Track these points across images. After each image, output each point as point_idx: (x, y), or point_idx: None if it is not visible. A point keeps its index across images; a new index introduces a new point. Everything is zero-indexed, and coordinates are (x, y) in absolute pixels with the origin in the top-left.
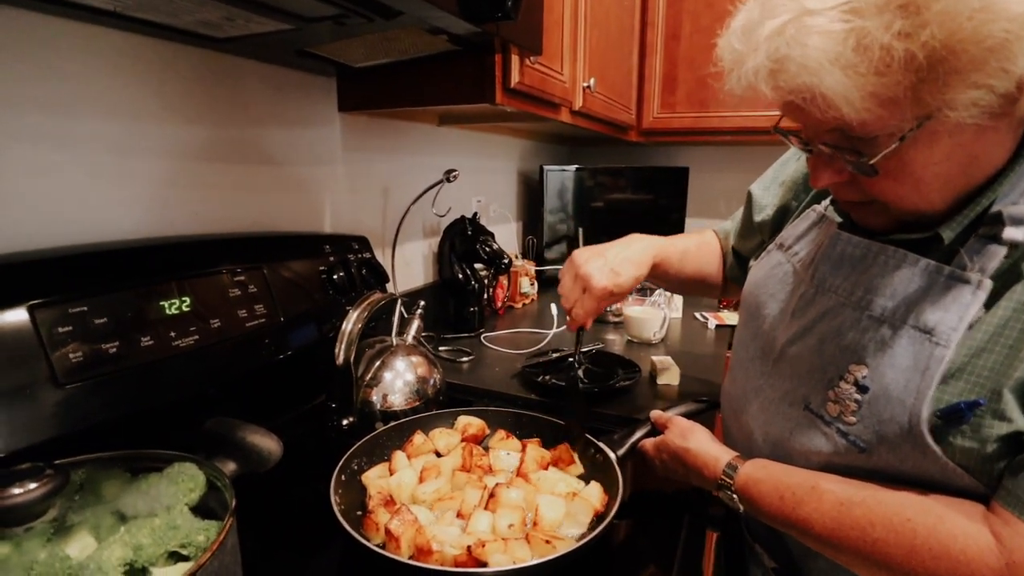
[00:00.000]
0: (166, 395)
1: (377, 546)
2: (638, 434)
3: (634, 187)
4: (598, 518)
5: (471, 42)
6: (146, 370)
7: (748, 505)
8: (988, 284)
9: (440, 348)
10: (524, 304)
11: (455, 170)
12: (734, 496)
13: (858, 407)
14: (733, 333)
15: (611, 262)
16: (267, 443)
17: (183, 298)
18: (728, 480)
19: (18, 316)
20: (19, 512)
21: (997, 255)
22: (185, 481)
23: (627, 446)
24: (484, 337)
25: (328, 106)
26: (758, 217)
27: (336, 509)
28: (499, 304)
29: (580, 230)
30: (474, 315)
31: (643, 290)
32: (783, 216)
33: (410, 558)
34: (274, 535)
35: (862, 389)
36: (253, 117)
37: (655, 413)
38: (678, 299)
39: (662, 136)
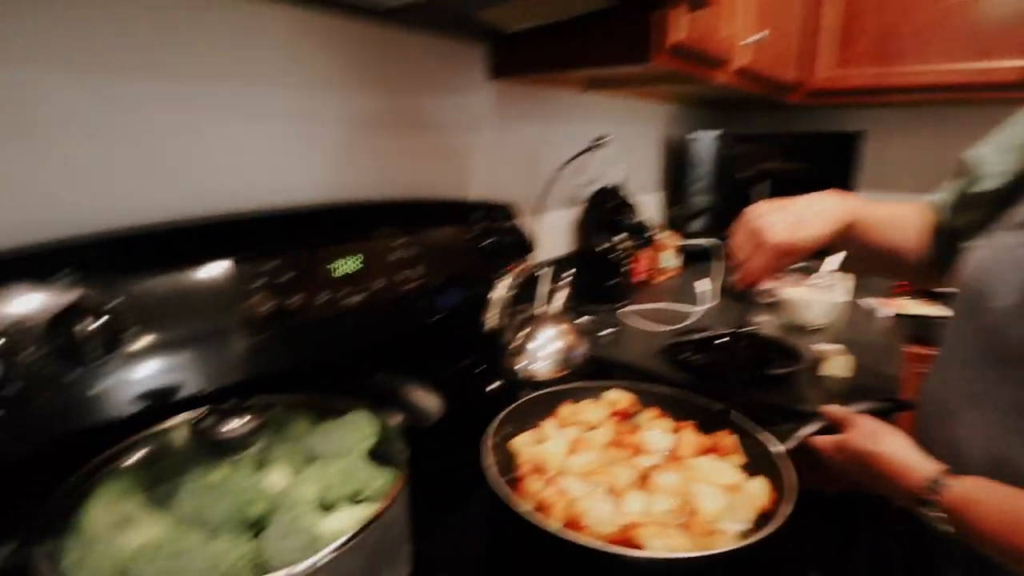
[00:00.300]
0: (337, 348)
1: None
2: (808, 428)
3: (790, 155)
4: (763, 516)
5: None
6: (321, 324)
7: (962, 528)
8: None
9: (579, 320)
10: (667, 278)
11: (605, 136)
12: (943, 515)
13: None
14: (911, 324)
15: (795, 214)
16: (430, 401)
17: (355, 258)
18: (934, 496)
19: (224, 267)
20: (232, 444)
21: None
22: (363, 428)
23: (796, 440)
24: (624, 310)
25: (480, 73)
26: (979, 187)
27: (489, 472)
28: (640, 277)
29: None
30: (615, 288)
31: (804, 269)
32: (1018, 189)
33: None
34: (427, 491)
35: None
36: (412, 86)
37: (830, 407)
38: (848, 281)
39: (834, 97)
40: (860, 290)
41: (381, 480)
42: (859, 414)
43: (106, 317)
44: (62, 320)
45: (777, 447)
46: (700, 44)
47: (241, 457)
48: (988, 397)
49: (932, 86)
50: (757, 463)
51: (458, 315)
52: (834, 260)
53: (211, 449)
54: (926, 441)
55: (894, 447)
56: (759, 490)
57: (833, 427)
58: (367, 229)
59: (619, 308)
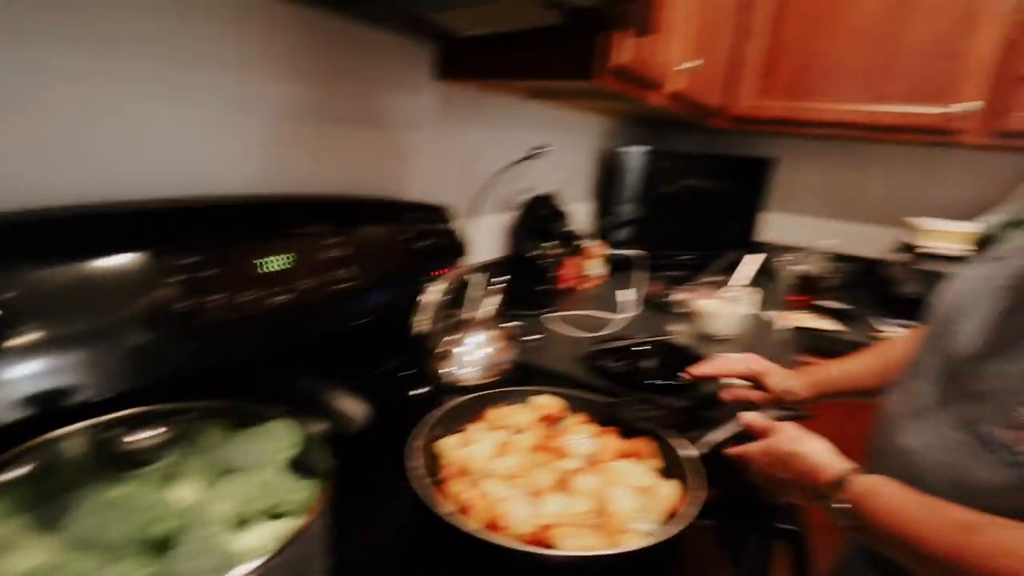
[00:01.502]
0: (259, 350)
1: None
2: (721, 432)
3: (711, 175)
4: (673, 517)
5: (584, 17)
6: (242, 324)
7: (859, 520)
8: None
9: (508, 324)
10: (592, 286)
11: (544, 146)
12: (847, 506)
13: None
14: (805, 337)
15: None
16: (355, 407)
17: (284, 255)
18: (840, 490)
19: (138, 259)
20: (137, 457)
21: None
22: (283, 437)
23: (707, 445)
24: (550, 317)
25: (425, 73)
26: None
27: (413, 474)
28: (567, 284)
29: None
30: (543, 293)
31: (716, 282)
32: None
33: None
34: (351, 496)
35: None
36: (355, 80)
37: (751, 417)
38: (755, 296)
39: (751, 124)
40: (766, 303)
41: (302, 493)
42: (784, 422)
43: None
44: None
45: (690, 451)
46: (640, 67)
47: (147, 471)
48: (942, 411)
49: (835, 123)
50: (672, 467)
51: (387, 317)
52: (743, 275)
53: (112, 462)
54: (881, 447)
55: (813, 447)
56: (670, 492)
57: (746, 434)
58: (299, 225)
59: (545, 314)
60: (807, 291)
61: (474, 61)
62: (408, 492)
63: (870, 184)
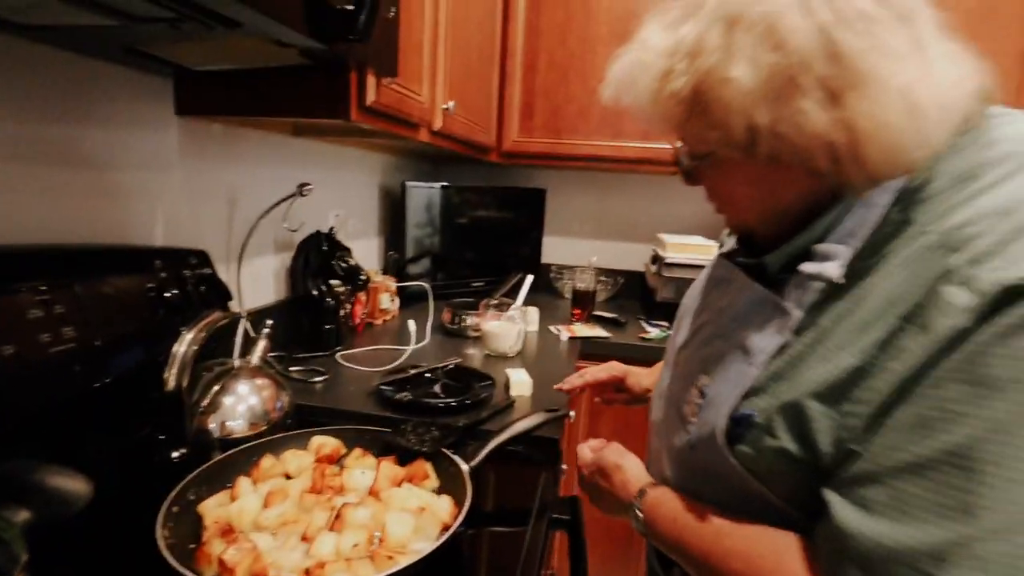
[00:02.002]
0: None
1: None
2: (491, 444)
3: (496, 205)
4: (447, 531)
5: (324, 58)
6: None
7: (648, 527)
8: (798, 316)
9: (292, 368)
10: (384, 321)
11: (308, 184)
12: (640, 517)
13: (698, 410)
14: (581, 344)
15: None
16: (71, 484)
17: None
18: (638, 500)
19: None
20: None
21: (815, 289)
22: None
23: (480, 457)
24: (340, 356)
25: (163, 108)
26: None
27: (162, 544)
28: (357, 321)
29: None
30: (330, 333)
31: (500, 305)
32: None
33: None
34: None
35: (703, 395)
36: (70, 116)
37: (582, 454)
38: (533, 313)
39: (521, 159)
40: (547, 319)
41: None
42: (611, 444)
43: None
44: None
45: (461, 466)
46: (397, 107)
47: None
48: (667, 392)
49: (588, 156)
50: (448, 484)
51: (138, 377)
52: (521, 296)
53: None
54: (651, 452)
55: (631, 463)
56: (442, 507)
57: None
58: None
59: (335, 353)
60: (584, 304)
61: (220, 97)
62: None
63: (626, 207)
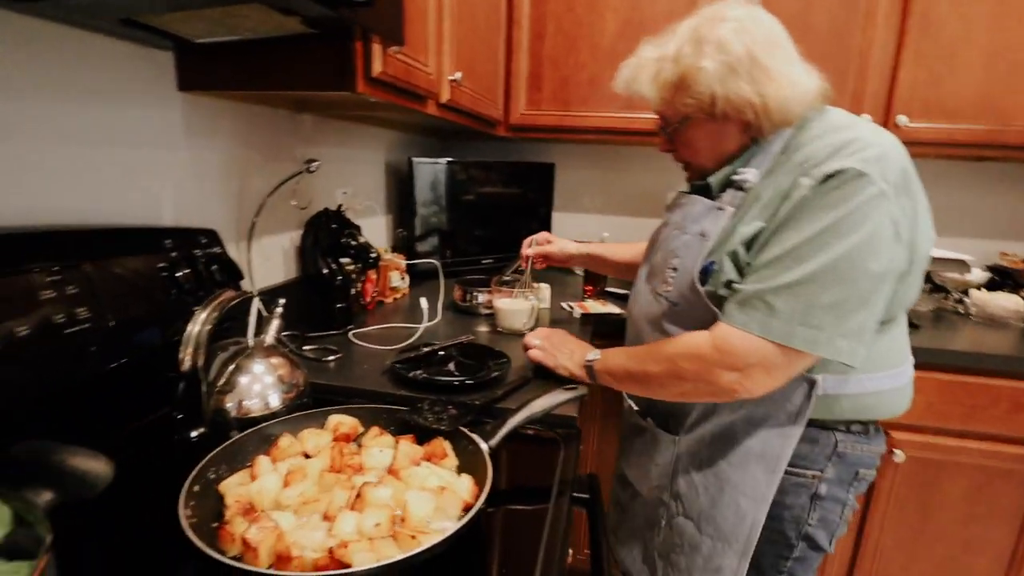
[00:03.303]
0: None
1: (233, 558)
2: (510, 423)
3: (504, 181)
4: (468, 510)
5: (327, 26)
6: None
7: (604, 372)
8: (731, 210)
9: (305, 347)
10: (395, 299)
11: (315, 160)
12: (594, 362)
13: (672, 281)
14: (593, 320)
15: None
16: (92, 465)
17: None
18: (593, 359)
19: None
20: None
21: (739, 194)
22: None
23: (499, 436)
24: (353, 334)
25: (165, 84)
26: None
27: (185, 523)
28: (368, 299)
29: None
30: (341, 312)
31: (511, 282)
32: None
33: (269, 567)
34: (109, 566)
35: (674, 270)
36: (70, 92)
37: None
38: (545, 290)
39: (529, 132)
40: (559, 296)
41: None
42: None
43: None
44: None
45: (481, 445)
46: (404, 77)
47: None
48: (644, 285)
49: (598, 128)
50: (467, 463)
51: (152, 357)
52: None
53: None
54: (627, 315)
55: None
56: (463, 487)
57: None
58: (5, 264)
59: (347, 332)
60: (595, 280)
61: (223, 71)
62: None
63: (636, 182)
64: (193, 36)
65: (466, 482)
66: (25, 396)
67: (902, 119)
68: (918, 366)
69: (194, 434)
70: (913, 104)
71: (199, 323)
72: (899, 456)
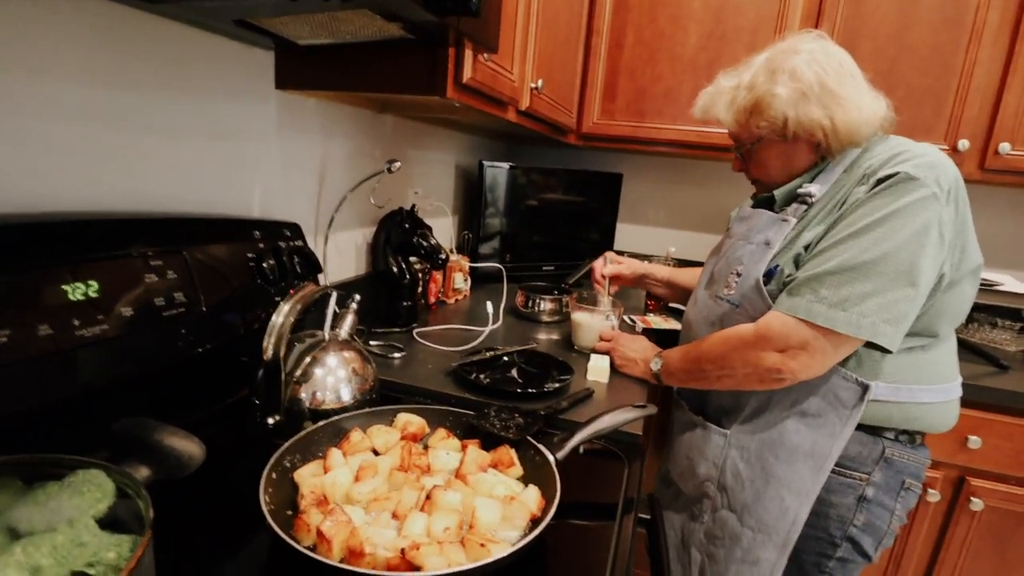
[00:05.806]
0: (66, 390)
1: (307, 548)
2: (578, 437)
3: (568, 189)
4: (534, 522)
5: (426, 32)
6: (44, 362)
7: (668, 369)
8: (793, 221)
9: (371, 343)
10: (457, 300)
11: (396, 160)
12: (660, 362)
13: (735, 284)
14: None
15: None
16: (187, 446)
17: (88, 283)
18: (660, 358)
19: None
20: None
21: (801, 208)
22: (91, 491)
23: (567, 448)
24: (417, 333)
25: (264, 82)
26: None
27: (265, 509)
28: (432, 299)
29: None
30: (407, 310)
31: (588, 298)
32: None
33: (341, 561)
34: (192, 543)
35: (737, 275)
36: (180, 86)
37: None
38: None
39: (599, 141)
40: (628, 309)
41: (116, 550)
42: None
43: None
44: None
45: (548, 456)
46: (490, 84)
47: None
48: (703, 292)
49: (671, 141)
50: (533, 473)
51: (236, 343)
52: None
53: None
54: (685, 321)
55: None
56: (531, 498)
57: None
58: (109, 247)
59: (411, 330)
60: (658, 296)
61: (317, 71)
62: (264, 528)
63: (703, 197)
64: (297, 38)
65: (534, 493)
66: (125, 374)
67: (1005, 147)
68: (1005, 410)
69: (271, 421)
70: (1019, 131)
71: (283, 314)
72: (977, 504)
